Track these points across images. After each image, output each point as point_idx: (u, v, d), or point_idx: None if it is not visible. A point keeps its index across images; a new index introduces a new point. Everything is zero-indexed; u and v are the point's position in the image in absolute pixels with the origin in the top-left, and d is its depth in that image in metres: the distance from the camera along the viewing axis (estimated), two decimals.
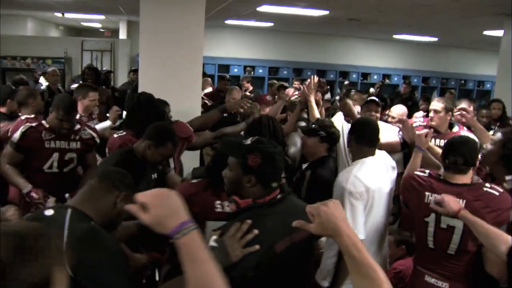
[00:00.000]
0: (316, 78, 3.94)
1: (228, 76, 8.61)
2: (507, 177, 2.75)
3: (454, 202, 2.41)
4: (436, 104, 4.08)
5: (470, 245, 2.52)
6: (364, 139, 2.84)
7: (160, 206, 1.25)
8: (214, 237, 1.80)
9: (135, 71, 8.48)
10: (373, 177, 2.74)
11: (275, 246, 1.85)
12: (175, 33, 4.46)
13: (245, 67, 12.21)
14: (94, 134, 3.64)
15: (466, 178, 2.61)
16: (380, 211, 2.82)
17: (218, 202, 2.30)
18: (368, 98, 4.35)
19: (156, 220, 1.24)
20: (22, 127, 3.31)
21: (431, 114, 4.10)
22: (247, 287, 1.77)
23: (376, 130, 2.89)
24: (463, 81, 14.04)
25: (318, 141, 3.21)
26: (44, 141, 3.33)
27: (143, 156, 2.86)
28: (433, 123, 4.05)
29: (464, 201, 2.50)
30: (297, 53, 12.44)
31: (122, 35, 13.02)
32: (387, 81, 13.16)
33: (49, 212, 1.82)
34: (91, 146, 3.60)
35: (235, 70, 12.06)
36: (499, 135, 3.13)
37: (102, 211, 1.96)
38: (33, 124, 3.36)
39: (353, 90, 6.53)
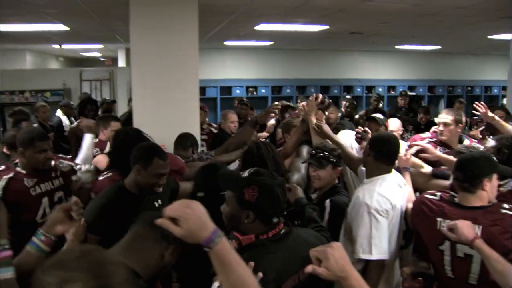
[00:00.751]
0: (318, 96, 3.61)
1: (245, 100, 8.18)
2: (504, 181, 2.67)
3: (468, 229, 2.14)
4: (445, 116, 3.85)
5: None
6: (384, 156, 2.73)
7: (191, 219, 1.30)
8: (216, 284, 1.63)
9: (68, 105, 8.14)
10: (394, 195, 2.63)
11: (282, 285, 1.77)
12: (168, 59, 4.23)
13: (247, 87, 12.02)
14: (71, 163, 3.41)
15: (480, 199, 2.32)
16: (398, 231, 2.70)
17: None
18: (368, 116, 4.10)
19: (189, 233, 1.30)
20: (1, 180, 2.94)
21: (440, 127, 3.85)
22: None
23: (397, 147, 2.79)
24: (469, 88, 13.76)
25: (332, 169, 2.99)
26: (29, 189, 3.01)
27: (138, 187, 2.61)
28: (443, 137, 3.82)
29: (481, 227, 2.22)
30: (300, 70, 12.27)
31: (121, 63, 12.93)
32: (392, 92, 13.00)
33: None
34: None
35: (237, 91, 11.85)
36: (492, 142, 3.26)
37: (150, 265, 1.74)
38: (11, 175, 3.00)
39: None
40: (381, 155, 2.72)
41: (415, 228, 2.65)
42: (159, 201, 2.73)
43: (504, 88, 13.46)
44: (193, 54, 4.32)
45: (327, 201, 2.85)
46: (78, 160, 3.77)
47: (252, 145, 2.99)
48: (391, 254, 2.67)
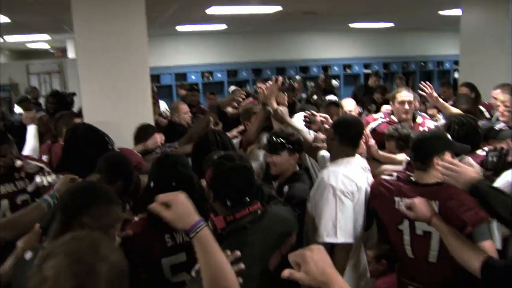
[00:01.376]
0: (278, 79, 3.43)
1: (196, 87, 7.91)
2: (459, 157, 2.69)
3: (425, 206, 2.15)
4: (408, 94, 3.82)
5: None
6: (349, 139, 2.69)
7: (181, 206, 1.50)
8: (197, 266, 1.68)
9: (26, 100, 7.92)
10: (360, 176, 2.61)
11: (268, 264, 1.84)
12: (116, 48, 4.01)
13: (202, 73, 11.83)
14: (41, 164, 3.21)
15: (434, 176, 2.32)
16: (363, 214, 2.65)
17: (167, 235, 2.10)
18: (328, 100, 4.03)
19: (178, 217, 1.49)
20: None
21: (406, 106, 3.79)
22: None
23: (361, 130, 2.78)
24: (423, 63, 14.01)
25: (288, 155, 2.88)
26: None
27: None
28: (408, 115, 3.77)
29: (437, 201, 2.24)
30: (255, 53, 12.14)
31: (71, 54, 12.43)
32: (348, 71, 13.10)
33: (28, 256, 1.72)
34: None
35: (193, 77, 11.66)
36: (442, 121, 3.39)
37: None
38: None
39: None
40: (346, 139, 2.68)
41: (375, 210, 2.63)
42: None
43: (456, 63, 13.82)
44: (142, 42, 4.12)
45: (285, 187, 2.80)
46: (26, 151, 3.68)
47: (206, 134, 2.91)
48: (357, 238, 2.62)
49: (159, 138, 3.79)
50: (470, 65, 6.55)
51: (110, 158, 2.63)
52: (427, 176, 2.35)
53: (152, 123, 4.23)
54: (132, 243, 2.01)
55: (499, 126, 3.34)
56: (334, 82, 8.73)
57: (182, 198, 1.52)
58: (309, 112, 3.45)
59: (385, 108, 4.32)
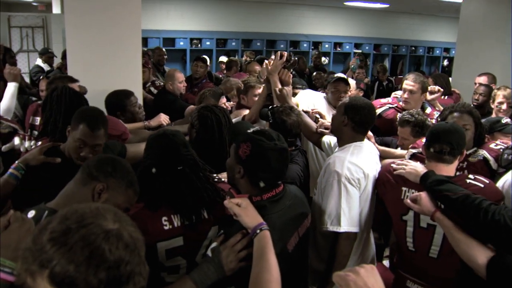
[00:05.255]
0: (283, 54, 3.20)
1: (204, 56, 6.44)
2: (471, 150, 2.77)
3: (431, 201, 2.11)
4: (411, 83, 3.61)
5: None
6: (362, 124, 2.55)
7: (250, 207, 1.72)
8: (214, 244, 1.74)
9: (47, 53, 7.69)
10: (368, 163, 2.49)
11: (287, 246, 1.80)
12: (107, 6, 3.74)
13: (191, 39, 11.57)
14: (15, 126, 3.05)
15: (449, 170, 2.26)
16: (373, 200, 2.56)
17: (164, 218, 1.94)
18: (336, 76, 3.76)
19: (248, 218, 1.69)
20: None
21: (405, 95, 3.64)
22: None
23: (372, 113, 2.62)
24: (413, 48, 13.97)
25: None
26: None
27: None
28: (407, 106, 3.60)
29: None
30: (246, 24, 11.92)
31: (56, 9, 11.97)
32: (338, 49, 12.98)
33: (31, 214, 1.63)
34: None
35: (181, 43, 11.41)
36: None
37: None
38: None
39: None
40: (359, 124, 2.54)
41: (380, 198, 2.55)
42: None
43: (446, 50, 13.85)
44: (135, 2, 3.88)
45: None
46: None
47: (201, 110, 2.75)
48: (365, 226, 2.54)
49: (163, 118, 3.60)
50: (465, 54, 6.47)
51: (83, 108, 2.50)
52: (445, 169, 2.25)
53: (140, 90, 4.04)
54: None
55: (506, 120, 3.23)
56: (354, 64, 8.47)
57: (248, 202, 1.73)
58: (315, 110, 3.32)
59: (395, 93, 4.16)
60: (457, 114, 2.77)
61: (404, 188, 2.34)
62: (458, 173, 2.47)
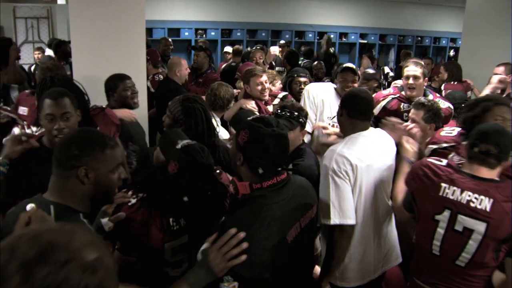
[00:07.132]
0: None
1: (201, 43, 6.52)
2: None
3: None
4: (414, 68, 3.54)
5: (488, 257, 2.06)
6: (357, 112, 2.50)
7: None
8: (205, 245, 1.72)
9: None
10: (362, 154, 2.42)
11: (286, 236, 1.77)
12: None
13: (196, 30, 11.55)
14: (14, 116, 3.05)
15: (493, 173, 2.12)
16: (372, 191, 2.48)
17: (172, 219, 2.00)
18: (344, 66, 3.68)
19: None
20: None
21: (410, 81, 3.55)
22: (264, 283, 1.70)
23: (370, 101, 2.59)
24: (419, 38, 13.88)
25: (299, 131, 2.73)
26: None
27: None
28: (414, 93, 3.53)
29: (492, 200, 2.03)
30: (251, 14, 11.87)
31: None
32: (344, 39, 12.91)
33: (29, 206, 1.53)
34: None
35: (186, 33, 11.40)
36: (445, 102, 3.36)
37: (78, 195, 1.61)
38: None
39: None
40: (354, 111, 2.50)
41: (411, 193, 2.38)
42: None
43: (452, 40, 13.74)
44: None
45: (289, 166, 2.61)
46: None
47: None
48: (370, 217, 2.49)
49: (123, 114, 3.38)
50: (471, 46, 6.41)
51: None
52: (489, 171, 2.12)
53: (144, 81, 4.05)
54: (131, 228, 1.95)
55: None
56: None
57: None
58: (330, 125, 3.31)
59: (395, 83, 4.11)
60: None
61: (444, 185, 2.17)
62: None
